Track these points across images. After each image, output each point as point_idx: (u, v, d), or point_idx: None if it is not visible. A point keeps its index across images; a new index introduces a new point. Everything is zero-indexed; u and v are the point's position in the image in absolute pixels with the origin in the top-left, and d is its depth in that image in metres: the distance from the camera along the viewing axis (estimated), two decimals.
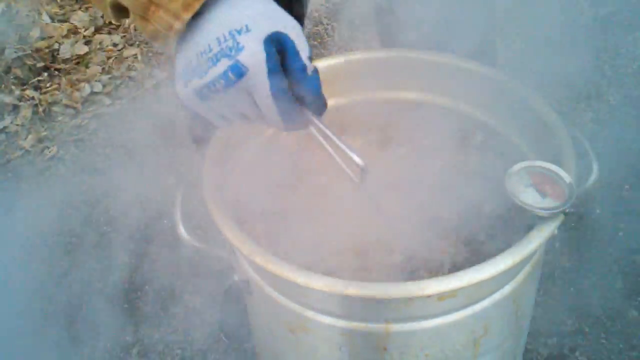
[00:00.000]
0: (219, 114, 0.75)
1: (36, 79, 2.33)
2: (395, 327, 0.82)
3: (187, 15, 0.68)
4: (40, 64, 2.36)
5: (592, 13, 2.38)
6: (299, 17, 1.10)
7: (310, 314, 0.84)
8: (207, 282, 1.57)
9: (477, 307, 0.83)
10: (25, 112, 2.20)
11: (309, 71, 0.73)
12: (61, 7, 2.59)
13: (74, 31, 2.49)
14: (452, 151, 1.11)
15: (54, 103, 2.25)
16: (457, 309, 0.81)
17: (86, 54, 2.41)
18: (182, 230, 0.92)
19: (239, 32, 0.68)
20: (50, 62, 2.38)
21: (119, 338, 1.49)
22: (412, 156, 1.09)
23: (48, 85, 2.32)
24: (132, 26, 2.50)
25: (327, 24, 2.45)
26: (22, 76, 2.32)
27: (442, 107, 1.13)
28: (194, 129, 1.41)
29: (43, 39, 2.43)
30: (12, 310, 1.56)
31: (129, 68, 2.37)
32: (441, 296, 0.77)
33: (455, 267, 1.04)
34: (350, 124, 1.13)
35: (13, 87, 2.29)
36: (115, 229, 1.76)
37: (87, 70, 2.36)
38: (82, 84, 2.29)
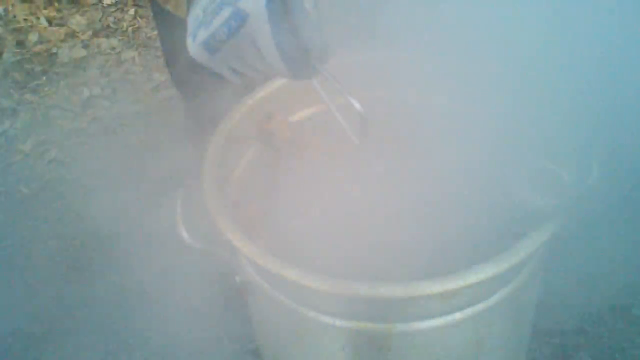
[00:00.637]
0: (228, 67, 0.75)
1: (35, 82, 2.33)
2: (399, 327, 0.81)
3: None
4: (39, 68, 2.36)
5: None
6: None
7: (312, 314, 0.84)
8: (209, 283, 1.57)
9: (481, 307, 0.82)
10: (25, 116, 2.20)
11: (312, 17, 0.72)
12: (59, 11, 2.58)
13: (72, 35, 2.49)
14: (452, 150, 1.11)
15: (53, 107, 2.25)
16: (460, 309, 0.81)
17: (84, 57, 2.41)
18: (183, 231, 0.91)
19: None
20: (49, 66, 2.38)
21: (122, 340, 1.49)
22: (413, 155, 1.09)
23: (47, 89, 2.32)
24: (130, 29, 2.50)
25: None
26: (20, 80, 2.32)
27: (440, 105, 1.13)
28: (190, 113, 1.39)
29: (41, 42, 2.43)
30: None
31: (127, 71, 2.36)
32: (444, 296, 0.77)
33: (456, 267, 1.04)
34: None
35: (12, 91, 2.28)
36: (117, 232, 1.76)
37: (86, 73, 2.36)
38: (81, 88, 2.29)
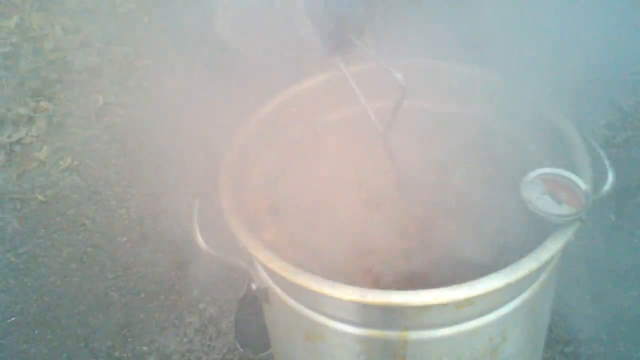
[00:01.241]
0: None
1: (50, 90, 2.35)
2: (414, 335, 0.82)
3: None
4: (54, 76, 2.38)
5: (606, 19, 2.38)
6: None
7: (328, 322, 0.84)
8: (222, 291, 1.58)
9: (495, 315, 0.83)
10: (40, 123, 2.22)
11: None
12: (74, 19, 2.60)
13: (87, 43, 2.51)
14: (469, 158, 1.11)
15: (68, 114, 2.27)
16: (475, 317, 0.81)
17: (99, 65, 2.43)
18: (200, 239, 0.92)
19: None
20: (64, 74, 2.40)
21: (135, 348, 1.50)
22: (428, 163, 1.09)
23: (62, 96, 2.34)
24: (143, 37, 2.52)
25: None
26: (36, 88, 2.34)
27: (458, 114, 1.13)
28: None
29: (57, 51, 2.45)
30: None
31: (141, 79, 2.38)
32: (459, 304, 0.77)
33: (473, 275, 1.04)
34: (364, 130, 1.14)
35: (28, 99, 2.31)
36: (131, 239, 1.77)
37: (100, 81, 2.38)
38: (96, 96, 2.31)
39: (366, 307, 0.79)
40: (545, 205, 0.83)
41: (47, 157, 2.10)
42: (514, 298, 0.84)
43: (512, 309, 0.84)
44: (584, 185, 0.84)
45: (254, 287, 0.93)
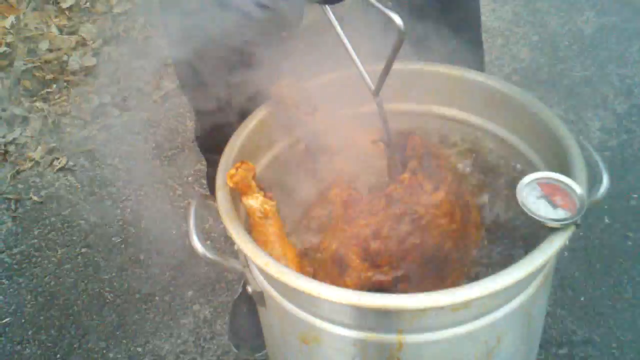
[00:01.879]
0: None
1: (45, 90, 2.34)
2: (409, 338, 0.82)
3: None
4: (50, 76, 2.38)
5: (598, 22, 2.40)
6: None
7: (323, 325, 0.85)
8: (216, 293, 1.58)
9: (490, 318, 0.83)
10: (35, 123, 2.22)
11: None
12: (70, 19, 2.60)
13: (82, 43, 2.51)
14: (463, 162, 1.12)
15: (63, 114, 2.27)
16: (470, 320, 0.82)
17: (94, 65, 2.43)
18: (196, 241, 0.92)
19: None
20: (59, 74, 2.40)
21: (129, 349, 1.50)
22: (423, 166, 1.09)
23: (57, 97, 2.33)
24: (139, 37, 2.52)
25: None
26: (31, 88, 2.33)
27: (452, 118, 1.14)
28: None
29: (52, 51, 2.45)
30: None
31: (137, 79, 2.38)
32: (454, 307, 0.78)
33: (468, 278, 1.04)
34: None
35: (23, 99, 2.30)
36: (125, 240, 1.77)
37: (96, 81, 2.38)
38: (91, 96, 2.31)
39: (362, 310, 0.80)
40: (541, 209, 0.84)
41: (42, 157, 2.09)
42: (508, 301, 0.84)
43: (507, 311, 0.84)
44: (579, 189, 0.85)
45: (249, 289, 0.93)
